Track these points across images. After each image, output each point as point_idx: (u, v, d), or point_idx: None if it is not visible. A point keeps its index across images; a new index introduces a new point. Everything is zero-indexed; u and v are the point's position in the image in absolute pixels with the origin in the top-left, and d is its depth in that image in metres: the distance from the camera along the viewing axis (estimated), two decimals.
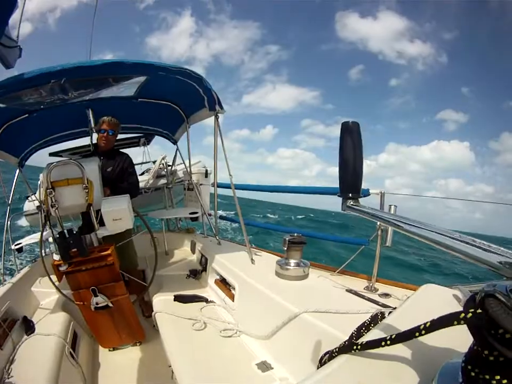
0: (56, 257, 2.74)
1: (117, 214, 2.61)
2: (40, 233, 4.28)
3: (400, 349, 0.86)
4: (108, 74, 2.77)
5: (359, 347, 0.87)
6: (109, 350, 3.07)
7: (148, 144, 6.52)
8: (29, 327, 2.91)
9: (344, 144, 0.98)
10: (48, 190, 2.51)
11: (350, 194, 0.97)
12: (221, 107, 3.40)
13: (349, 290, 2.28)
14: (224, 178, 3.79)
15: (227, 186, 3.79)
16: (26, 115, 3.51)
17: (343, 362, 0.88)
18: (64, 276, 2.66)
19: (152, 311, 3.09)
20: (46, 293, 3.55)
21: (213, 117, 3.52)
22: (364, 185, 1.37)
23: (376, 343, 0.82)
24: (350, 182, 0.98)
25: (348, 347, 0.91)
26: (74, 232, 2.57)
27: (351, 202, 0.97)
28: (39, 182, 4.93)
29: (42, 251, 3.21)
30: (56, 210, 2.58)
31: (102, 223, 2.73)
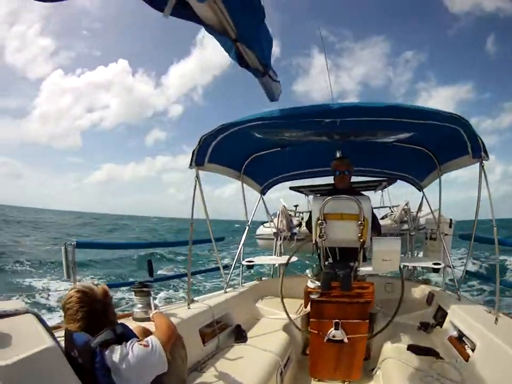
0: (311, 284, 2.90)
1: (388, 255, 2.59)
2: (270, 256, 4.85)
3: None
4: (384, 117, 2.79)
5: None
6: (314, 379, 3.04)
7: (386, 187, 6.40)
8: (240, 336, 3.16)
9: None
10: (319, 221, 2.68)
11: None
12: (487, 154, 2.93)
13: None
14: None
15: (488, 241, 3.29)
16: (279, 148, 3.79)
17: None
18: (309, 303, 2.81)
19: (370, 353, 3.01)
20: (268, 311, 3.80)
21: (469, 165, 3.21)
22: None
23: None
24: None
25: None
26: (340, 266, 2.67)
27: None
28: (278, 212, 5.64)
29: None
30: (323, 241, 2.73)
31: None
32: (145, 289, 2.69)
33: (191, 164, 3.32)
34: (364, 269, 2.78)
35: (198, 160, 3.33)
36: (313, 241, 2.82)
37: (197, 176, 3.36)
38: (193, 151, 3.26)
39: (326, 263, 2.75)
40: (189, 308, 3.04)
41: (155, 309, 2.44)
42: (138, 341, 1.62)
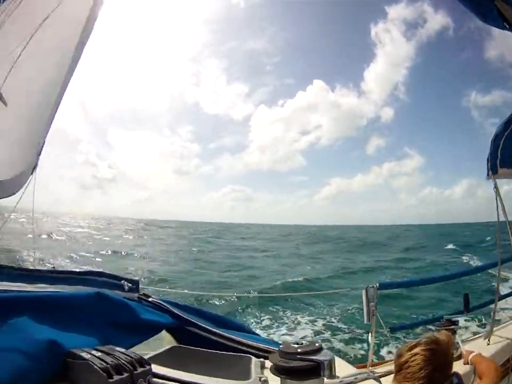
0: None
1: None
2: None
3: None
4: None
5: None
6: None
7: None
8: None
9: None
10: None
11: None
12: None
13: None
14: None
15: None
16: None
17: None
18: None
19: None
20: None
21: None
22: None
23: None
24: None
25: None
26: None
27: None
28: None
29: None
30: None
31: None
32: (452, 326, 2.54)
33: (488, 174, 3.04)
34: None
35: (493, 167, 2.99)
36: None
37: (496, 186, 3.03)
38: (488, 158, 2.99)
39: None
40: (488, 343, 2.73)
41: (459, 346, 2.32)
42: None
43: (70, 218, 73.45)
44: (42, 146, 3.34)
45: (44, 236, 27.93)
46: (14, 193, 3.49)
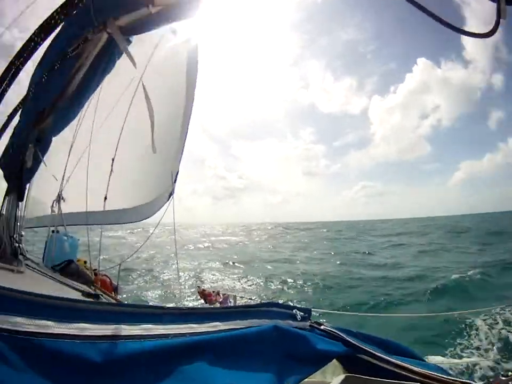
0: None
1: None
2: None
3: None
4: None
5: None
6: None
7: None
8: None
9: None
10: None
11: None
12: None
13: None
14: None
15: None
16: None
17: None
18: None
19: None
20: None
21: None
22: None
23: None
24: None
25: None
26: None
27: None
28: None
29: None
30: None
31: None
32: None
33: None
34: None
35: None
36: None
37: None
38: None
39: None
40: None
41: None
42: None
43: (209, 228, 78.50)
44: (177, 175, 4.01)
45: (191, 246, 29.71)
46: (154, 213, 4.38)
